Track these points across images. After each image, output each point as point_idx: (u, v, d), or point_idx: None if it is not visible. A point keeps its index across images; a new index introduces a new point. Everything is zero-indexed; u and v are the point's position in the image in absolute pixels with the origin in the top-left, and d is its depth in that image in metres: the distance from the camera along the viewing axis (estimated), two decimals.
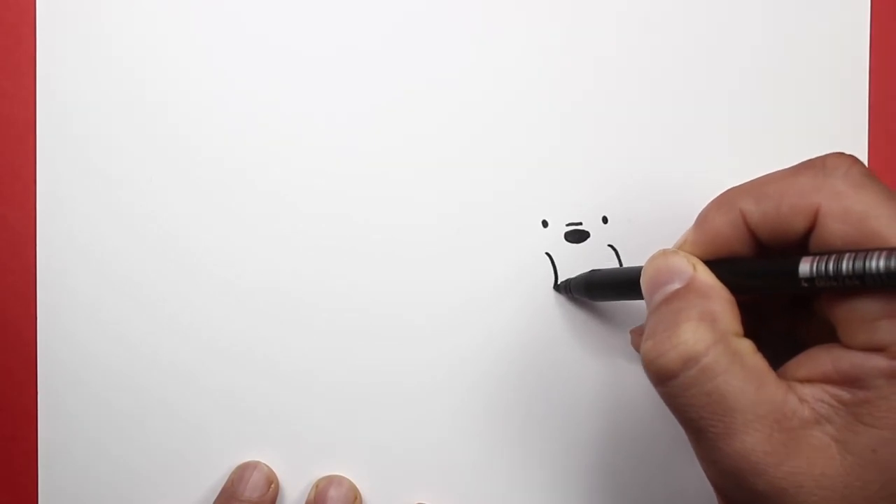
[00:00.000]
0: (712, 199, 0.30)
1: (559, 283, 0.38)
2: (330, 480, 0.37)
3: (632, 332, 0.37)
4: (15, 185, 0.37)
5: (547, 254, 0.38)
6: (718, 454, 0.27)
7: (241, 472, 0.37)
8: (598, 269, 0.36)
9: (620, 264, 0.38)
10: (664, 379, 0.28)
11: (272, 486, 0.37)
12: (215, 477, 0.38)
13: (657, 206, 0.38)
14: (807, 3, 0.39)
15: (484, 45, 0.38)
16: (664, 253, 0.30)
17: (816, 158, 0.28)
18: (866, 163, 0.39)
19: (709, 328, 0.27)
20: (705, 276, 0.29)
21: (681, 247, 0.31)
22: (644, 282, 0.30)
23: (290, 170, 0.37)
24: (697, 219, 0.31)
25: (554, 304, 0.38)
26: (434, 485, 0.38)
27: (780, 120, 0.39)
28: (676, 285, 0.29)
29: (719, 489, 0.29)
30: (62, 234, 0.37)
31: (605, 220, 0.38)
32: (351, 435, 0.38)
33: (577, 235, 0.38)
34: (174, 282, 0.37)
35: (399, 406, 0.38)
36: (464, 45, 0.38)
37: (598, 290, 0.36)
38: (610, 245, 0.38)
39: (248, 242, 0.37)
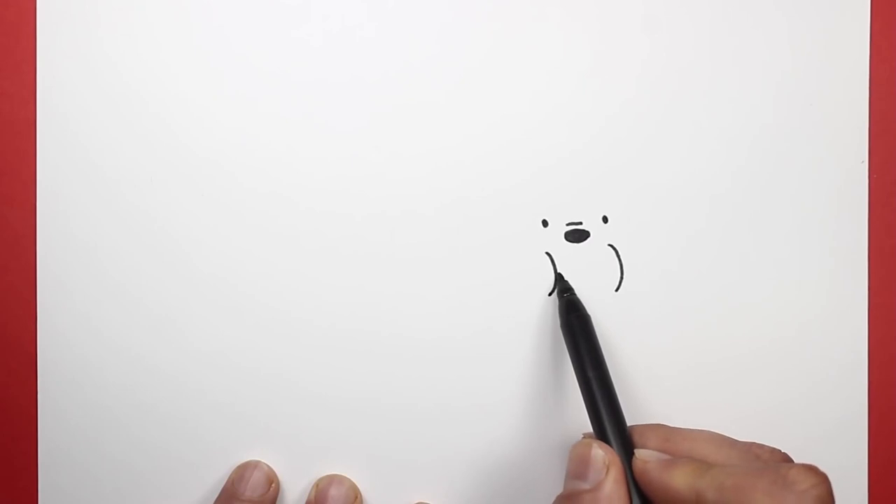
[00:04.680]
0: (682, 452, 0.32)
1: (557, 290, 0.38)
2: (330, 480, 0.37)
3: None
4: (15, 185, 0.37)
5: (547, 253, 0.38)
6: None
7: (242, 472, 0.37)
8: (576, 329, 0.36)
9: (620, 264, 0.38)
10: None
11: (273, 485, 0.37)
12: (215, 477, 0.38)
13: (657, 206, 0.38)
14: (807, 4, 0.39)
15: (484, 45, 0.38)
16: (590, 444, 0.32)
17: (784, 466, 0.29)
18: (866, 163, 0.39)
19: None
20: (611, 486, 0.31)
21: (646, 439, 0.33)
22: (569, 461, 0.32)
23: (289, 172, 0.37)
24: (675, 437, 0.33)
25: (553, 304, 0.38)
26: (434, 485, 0.38)
27: (781, 120, 0.39)
28: (585, 486, 0.31)
29: None
30: (62, 234, 0.37)
31: (605, 219, 0.38)
32: (351, 435, 0.38)
33: (577, 235, 0.38)
34: (174, 282, 0.37)
35: (399, 406, 0.38)
36: (464, 46, 0.38)
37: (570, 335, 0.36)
38: (610, 245, 0.38)
39: (248, 242, 0.37)
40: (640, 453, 0.32)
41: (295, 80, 0.37)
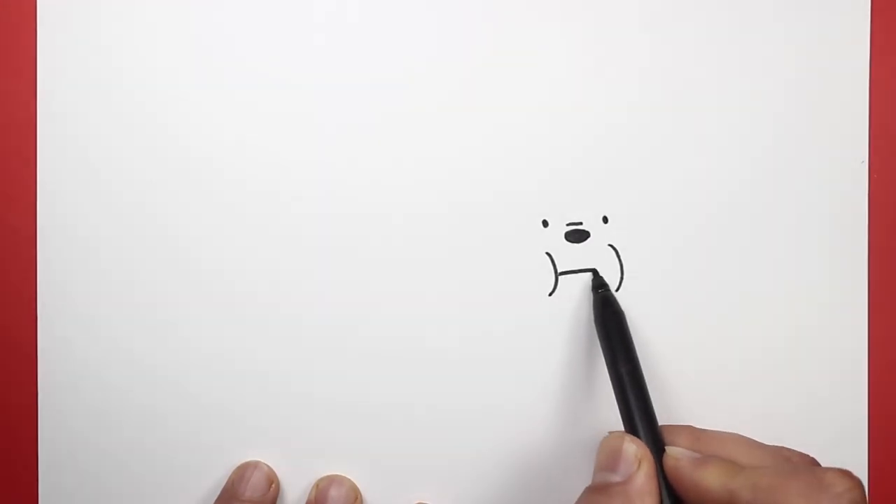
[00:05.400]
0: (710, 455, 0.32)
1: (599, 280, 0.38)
2: (331, 480, 0.37)
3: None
4: (15, 185, 0.37)
5: (547, 254, 0.38)
6: None
7: (242, 472, 0.37)
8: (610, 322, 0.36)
9: (621, 264, 0.38)
10: None
11: (273, 485, 0.37)
12: (215, 477, 0.38)
13: (657, 206, 0.38)
14: (807, 4, 0.39)
15: (484, 46, 0.38)
16: (622, 437, 0.32)
17: (819, 469, 0.29)
18: (866, 163, 0.39)
19: None
20: (643, 480, 0.31)
21: (676, 437, 0.33)
22: (597, 454, 0.32)
23: (288, 174, 0.37)
24: (704, 437, 0.33)
25: (553, 304, 0.38)
26: (434, 485, 0.38)
27: (781, 120, 0.39)
28: (615, 478, 0.31)
29: None
30: (62, 235, 0.37)
31: (605, 219, 0.38)
32: (351, 435, 0.38)
33: (577, 235, 0.38)
34: (175, 283, 0.37)
35: (399, 406, 0.38)
36: (465, 47, 0.38)
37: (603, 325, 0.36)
38: (610, 245, 0.38)
39: (249, 243, 0.37)
40: (671, 450, 0.32)
41: (296, 79, 0.37)
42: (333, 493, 0.37)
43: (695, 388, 0.38)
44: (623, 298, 0.38)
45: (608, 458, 0.32)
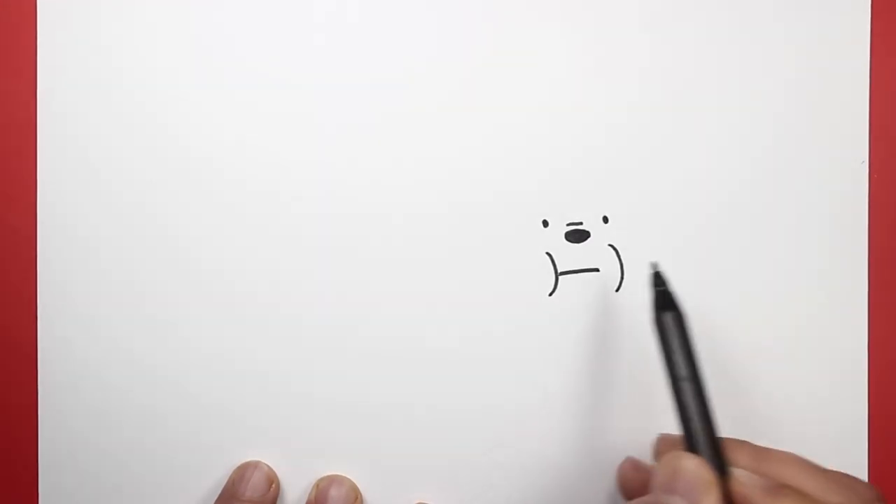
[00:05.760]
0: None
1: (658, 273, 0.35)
2: (331, 480, 0.37)
3: (622, 469, 0.37)
4: (15, 185, 0.37)
5: (547, 254, 0.38)
6: None
7: (242, 472, 0.37)
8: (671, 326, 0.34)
9: (621, 264, 0.38)
10: None
11: (273, 485, 0.37)
12: (215, 477, 0.38)
13: (657, 206, 0.38)
14: (807, 4, 0.39)
15: (484, 46, 0.38)
16: (690, 459, 0.30)
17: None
18: (866, 163, 0.39)
19: None
20: None
21: (736, 455, 0.32)
22: (658, 472, 0.30)
23: (288, 174, 0.37)
24: (765, 457, 0.32)
25: (553, 304, 0.38)
26: (434, 485, 0.38)
27: (781, 120, 0.39)
28: (681, 503, 0.29)
29: None
30: (62, 235, 0.37)
31: (605, 219, 0.38)
32: (351, 435, 0.38)
33: (577, 235, 0.38)
34: (174, 284, 0.37)
35: (399, 406, 0.38)
36: (465, 47, 0.38)
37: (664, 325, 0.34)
38: (610, 245, 0.38)
39: (249, 243, 0.37)
40: (739, 475, 0.31)
41: (296, 79, 0.37)
42: (333, 493, 0.37)
43: None
44: (623, 298, 0.38)
45: (674, 480, 0.30)
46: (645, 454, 0.38)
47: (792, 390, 0.39)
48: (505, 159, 0.38)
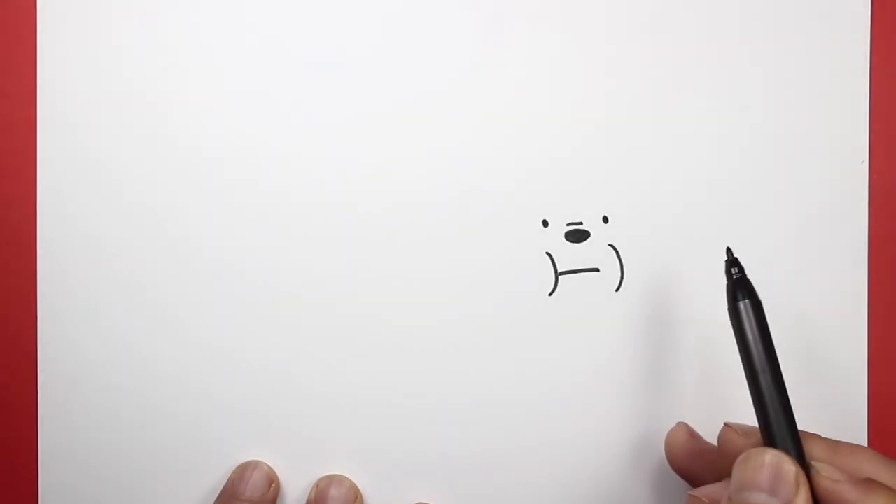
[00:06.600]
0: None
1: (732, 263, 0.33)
2: (331, 480, 0.37)
3: (674, 434, 0.37)
4: (15, 185, 0.37)
5: (547, 254, 0.38)
6: None
7: (242, 472, 0.37)
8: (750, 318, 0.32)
9: (621, 264, 0.38)
10: None
11: (273, 485, 0.37)
12: (215, 477, 0.38)
13: (657, 206, 0.38)
14: (807, 5, 0.39)
15: (484, 46, 0.38)
16: (777, 454, 0.29)
17: None
18: (866, 163, 0.39)
19: None
20: None
21: (812, 448, 0.31)
22: (742, 467, 0.29)
23: (290, 171, 0.37)
24: (840, 451, 0.31)
25: (553, 304, 0.38)
26: (434, 485, 0.38)
27: (781, 120, 0.39)
28: (771, 500, 0.28)
29: None
30: (62, 234, 0.37)
31: (605, 219, 0.38)
32: (351, 435, 0.38)
33: (577, 235, 0.38)
34: (175, 281, 0.37)
35: (399, 406, 0.38)
36: (464, 46, 0.38)
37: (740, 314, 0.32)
38: (610, 245, 0.38)
39: (250, 240, 0.37)
40: (824, 469, 0.30)
41: (296, 78, 0.37)
42: (333, 492, 0.37)
43: (695, 386, 0.38)
44: (623, 298, 0.38)
45: (759, 476, 0.29)
46: (645, 454, 0.38)
47: (792, 390, 0.39)
48: (505, 159, 0.38)
